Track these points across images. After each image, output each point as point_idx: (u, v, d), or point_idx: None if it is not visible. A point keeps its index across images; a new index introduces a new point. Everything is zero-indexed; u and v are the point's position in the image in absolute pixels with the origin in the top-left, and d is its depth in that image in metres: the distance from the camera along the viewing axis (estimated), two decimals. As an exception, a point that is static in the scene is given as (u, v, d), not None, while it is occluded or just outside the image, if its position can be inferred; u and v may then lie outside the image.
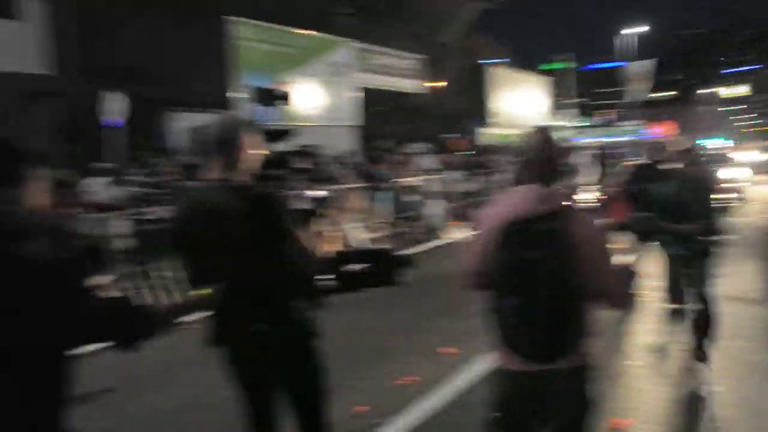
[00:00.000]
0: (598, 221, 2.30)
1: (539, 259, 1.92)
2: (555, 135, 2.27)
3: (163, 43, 12.29)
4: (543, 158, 2.12)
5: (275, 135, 2.42)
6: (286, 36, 15.56)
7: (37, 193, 1.47)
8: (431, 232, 10.62)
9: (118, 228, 6.78)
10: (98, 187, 6.75)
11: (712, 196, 4.32)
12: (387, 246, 9.40)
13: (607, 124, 37.97)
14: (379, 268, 2.45)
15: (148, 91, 11.98)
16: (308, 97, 16.18)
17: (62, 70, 11.46)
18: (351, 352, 4.88)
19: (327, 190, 8.91)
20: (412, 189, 10.90)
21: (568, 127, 32.50)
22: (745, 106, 48.16)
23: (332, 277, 2.39)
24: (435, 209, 10.94)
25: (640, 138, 28.19)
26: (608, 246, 2.15)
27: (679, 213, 4.13)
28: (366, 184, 9.79)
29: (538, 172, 2.09)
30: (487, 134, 24.11)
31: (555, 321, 1.94)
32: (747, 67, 44.67)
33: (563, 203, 2.06)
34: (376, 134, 16.13)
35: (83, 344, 1.67)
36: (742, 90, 47.37)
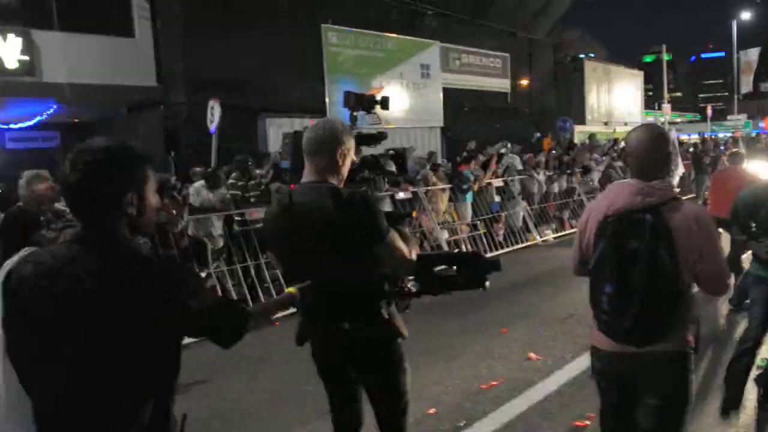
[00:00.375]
0: (706, 213, 2.30)
1: (635, 250, 2.07)
2: (660, 129, 2.42)
3: (260, 52, 12.96)
4: (643, 154, 2.21)
5: (370, 139, 2.45)
6: (375, 40, 15.93)
7: (151, 195, 1.57)
8: (514, 235, 10.47)
9: (215, 228, 7.23)
10: (196, 191, 7.22)
11: None
12: (473, 249, 9.38)
13: (711, 117, 35.48)
14: (468, 271, 2.41)
15: (245, 99, 12.69)
16: (396, 100, 16.42)
17: (166, 82, 12.38)
18: (432, 354, 4.97)
19: (413, 191, 9.04)
20: (496, 190, 10.78)
21: (664, 122, 30.72)
22: None
23: (422, 279, 2.40)
24: (518, 211, 10.75)
25: (748, 132, 26.14)
26: (716, 237, 2.21)
27: None
28: (450, 186, 9.80)
29: (638, 168, 2.21)
30: (580, 131, 23.27)
31: (647, 308, 2.07)
32: None
33: (665, 197, 2.14)
34: (461, 134, 16.07)
35: (193, 335, 1.85)
36: None
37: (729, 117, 32.52)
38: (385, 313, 2.27)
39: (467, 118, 19.14)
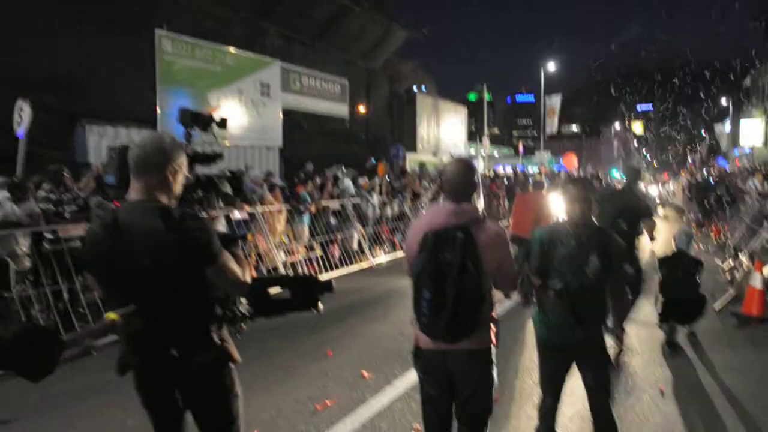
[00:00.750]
0: (504, 232, 2.68)
1: (449, 261, 2.43)
2: (469, 163, 2.80)
3: (84, 52, 11.86)
4: (456, 182, 2.63)
5: (205, 158, 2.30)
6: (214, 53, 15.39)
7: None
8: (349, 256, 10.73)
9: (20, 246, 6.40)
10: (-1, 202, 6.33)
11: None
12: (308, 271, 9.42)
13: (523, 153, 39.89)
14: (301, 293, 2.45)
15: (63, 101, 11.49)
16: (234, 116, 16.01)
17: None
18: (266, 378, 4.89)
19: (250, 212, 8.85)
20: (332, 212, 10.99)
21: (484, 155, 33.85)
22: (640, 143, 52.31)
23: (255, 302, 2.36)
24: (353, 233, 11.07)
25: (551, 168, 29.88)
26: (510, 251, 2.66)
27: None
28: (288, 206, 9.78)
29: (452, 193, 2.62)
30: (412, 159, 24.67)
31: (458, 310, 2.43)
32: (644, 106, 48.65)
33: (472, 217, 2.56)
34: (300, 156, 16.16)
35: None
36: (638, 128, 51.45)
37: (536, 153, 36.81)
38: (216, 337, 2.22)
39: (305, 139, 19.31)
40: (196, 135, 2.90)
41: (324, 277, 9.48)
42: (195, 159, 2.54)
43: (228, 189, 3.12)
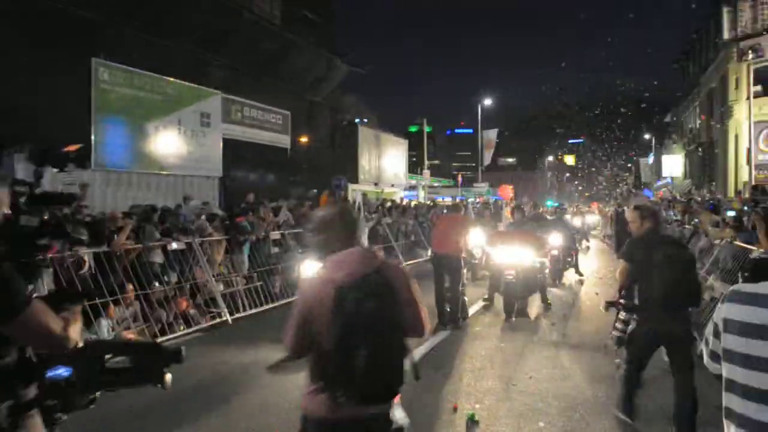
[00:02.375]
0: (404, 267, 2.59)
1: (374, 310, 2.16)
2: (346, 207, 2.65)
3: (17, 79, 11.54)
4: (350, 225, 2.44)
5: (52, 199, 2.00)
6: (153, 82, 15.24)
7: None
8: (291, 287, 10.75)
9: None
10: None
11: None
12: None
13: (462, 184, 41.00)
14: (144, 363, 2.04)
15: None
16: (173, 146, 15.83)
17: None
18: None
19: (188, 242, 8.77)
20: (273, 243, 11.02)
21: (424, 185, 34.61)
22: (572, 174, 54.88)
23: (84, 372, 1.96)
24: (295, 263, 11.10)
25: (487, 197, 30.89)
26: (412, 285, 2.45)
27: None
28: (226, 236, 9.74)
29: (349, 237, 2.41)
30: (353, 190, 24.92)
31: (385, 367, 2.19)
32: (575, 140, 51.25)
33: (380, 258, 2.40)
34: (241, 185, 16.11)
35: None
36: (570, 161, 54.01)
37: (475, 184, 37.91)
38: (4, 421, 1.75)
39: (247, 169, 19.26)
40: (46, 177, 2.53)
41: (257, 310, 9.46)
42: (40, 200, 2.20)
43: (84, 235, 2.80)
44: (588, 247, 20.90)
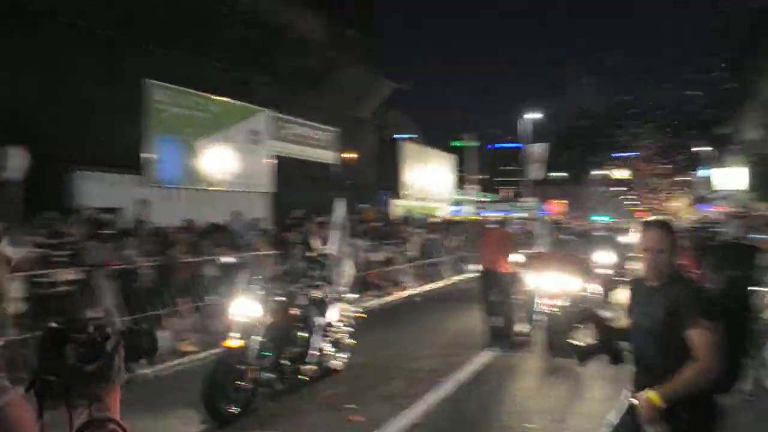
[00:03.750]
0: None
1: None
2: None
3: (74, 99, 12.12)
4: None
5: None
6: (202, 101, 15.77)
7: None
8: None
9: (13, 291, 6.46)
10: (-7, 248, 6.42)
11: None
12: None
13: (509, 199, 40.50)
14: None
15: (53, 148, 11.64)
16: (222, 163, 16.27)
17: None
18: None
19: (238, 256, 8.97)
20: (322, 256, 11.11)
21: (471, 200, 34.36)
22: (628, 188, 53.34)
23: None
24: (342, 277, 11.17)
25: (538, 213, 30.40)
26: None
27: None
28: (277, 251, 9.90)
29: None
30: (399, 206, 25.00)
31: None
32: (628, 153, 49.89)
33: None
34: (289, 202, 16.37)
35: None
36: (625, 174, 52.57)
37: (520, 199, 37.44)
38: None
39: (295, 185, 19.57)
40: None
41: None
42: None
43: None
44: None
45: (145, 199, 10.85)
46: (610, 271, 10.41)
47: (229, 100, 16.58)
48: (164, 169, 14.43)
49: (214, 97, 16.15)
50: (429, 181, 29.28)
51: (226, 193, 16.20)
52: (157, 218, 12.81)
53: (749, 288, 5.90)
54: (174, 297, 7.59)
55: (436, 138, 38.75)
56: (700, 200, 40.73)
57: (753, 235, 12.42)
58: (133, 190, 12.88)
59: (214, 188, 15.94)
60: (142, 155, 13.83)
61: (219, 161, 16.19)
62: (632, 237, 18.32)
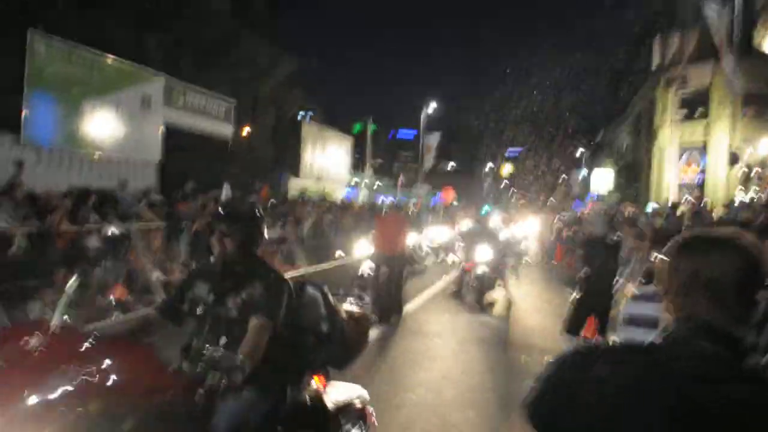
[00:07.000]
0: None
1: None
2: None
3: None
4: None
5: None
6: (93, 59, 14.64)
7: None
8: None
9: None
10: None
11: None
12: None
13: (402, 184, 41.50)
14: None
15: None
16: (109, 128, 15.28)
17: None
18: None
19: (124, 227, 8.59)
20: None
21: (366, 183, 34.88)
22: (511, 182, 56.92)
23: None
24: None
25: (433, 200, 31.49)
26: None
27: None
28: (166, 223, 9.60)
29: None
30: (296, 184, 24.83)
31: None
32: (512, 151, 53.13)
33: None
34: (179, 173, 15.75)
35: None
36: (507, 169, 55.94)
37: (414, 186, 38.51)
38: None
39: (186, 157, 18.82)
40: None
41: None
42: None
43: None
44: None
45: (21, 161, 10.02)
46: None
47: (122, 61, 15.54)
48: (44, 129, 13.32)
49: (108, 56, 15.05)
50: (326, 161, 29.31)
51: (111, 160, 15.27)
52: (33, 182, 11.91)
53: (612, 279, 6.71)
54: (51, 268, 7.15)
55: (337, 120, 38.66)
56: (577, 198, 44.26)
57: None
58: (7, 149, 11.81)
59: (98, 154, 14.96)
60: (22, 112, 12.66)
61: (106, 125, 15.18)
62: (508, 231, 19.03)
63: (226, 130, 21.25)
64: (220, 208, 3.20)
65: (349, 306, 3.37)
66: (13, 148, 12.12)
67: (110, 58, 15.17)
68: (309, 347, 2.96)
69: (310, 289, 3.11)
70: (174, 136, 17.98)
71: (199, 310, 2.80)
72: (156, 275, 9.04)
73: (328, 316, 3.03)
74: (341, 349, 3.06)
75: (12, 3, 12.41)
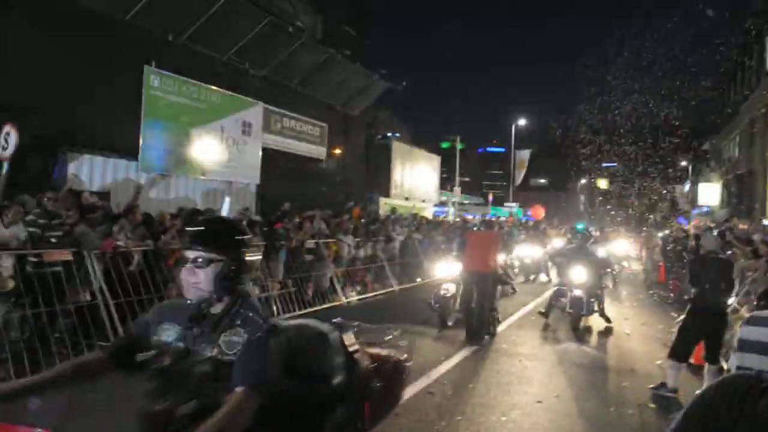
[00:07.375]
0: None
1: None
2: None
3: (68, 80, 12.11)
4: None
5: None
6: (199, 91, 15.81)
7: None
8: (322, 295, 11.02)
9: (3, 268, 6.56)
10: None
11: None
12: (283, 306, 9.59)
13: (492, 202, 40.96)
14: None
15: (42, 127, 11.64)
16: (212, 152, 16.32)
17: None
18: None
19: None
20: (306, 251, 11.32)
21: (454, 202, 34.72)
22: (607, 198, 54.36)
23: None
24: (326, 272, 11.39)
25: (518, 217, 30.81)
26: None
27: None
28: (262, 243, 10.06)
29: None
30: (385, 203, 25.22)
31: None
32: (609, 164, 50.79)
33: None
34: (276, 195, 16.49)
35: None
36: (603, 185, 53.57)
37: (505, 203, 37.93)
38: None
39: (283, 178, 19.69)
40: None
41: (296, 314, 9.73)
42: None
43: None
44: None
45: (139, 184, 10.95)
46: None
47: (224, 90, 16.65)
48: (157, 155, 14.48)
49: (211, 87, 16.20)
50: (415, 180, 29.53)
51: (216, 183, 16.30)
52: (146, 204, 12.95)
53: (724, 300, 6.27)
54: (164, 283, 7.73)
55: (423, 139, 38.98)
56: (681, 214, 41.55)
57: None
58: (126, 174, 12.96)
59: (203, 178, 16.02)
60: (139, 140, 13.83)
61: (211, 151, 16.25)
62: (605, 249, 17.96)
63: (319, 152, 22.08)
64: (190, 227, 2.43)
65: (381, 347, 2.72)
66: (129, 173, 13.28)
67: (213, 88, 16.29)
68: (319, 410, 2.25)
69: (323, 330, 2.44)
70: (271, 159, 18.90)
71: (164, 361, 2.06)
72: (255, 291, 9.51)
73: (345, 364, 2.33)
74: (360, 407, 2.37)
75: (130, 41, 13.64)
